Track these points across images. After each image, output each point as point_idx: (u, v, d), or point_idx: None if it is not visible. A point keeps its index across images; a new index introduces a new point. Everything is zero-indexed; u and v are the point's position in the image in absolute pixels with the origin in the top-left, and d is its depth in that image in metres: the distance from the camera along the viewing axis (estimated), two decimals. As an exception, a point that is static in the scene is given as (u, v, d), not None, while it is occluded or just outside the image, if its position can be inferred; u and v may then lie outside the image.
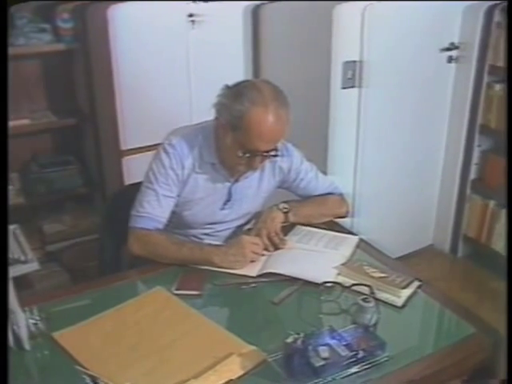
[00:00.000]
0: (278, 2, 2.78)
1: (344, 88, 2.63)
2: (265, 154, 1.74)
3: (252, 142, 1.69)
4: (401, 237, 3.21)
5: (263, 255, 1.80)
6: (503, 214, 3.06)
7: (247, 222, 2.01)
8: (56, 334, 1.46)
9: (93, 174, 3.06)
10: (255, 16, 2.79)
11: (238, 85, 1.76)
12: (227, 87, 1.75)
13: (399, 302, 1.59)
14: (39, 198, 2.93)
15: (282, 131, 1.72)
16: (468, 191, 3.21)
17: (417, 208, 3.32)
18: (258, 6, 2.78)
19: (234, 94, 1.70)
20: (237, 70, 2.85)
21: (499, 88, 2.93)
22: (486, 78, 2.96)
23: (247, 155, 1.73)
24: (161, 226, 1.84)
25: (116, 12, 2.48)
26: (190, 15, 2.61)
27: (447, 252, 3.42)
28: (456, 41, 2.97)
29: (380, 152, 2.97)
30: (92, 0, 2.62)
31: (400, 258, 2.52)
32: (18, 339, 1.42)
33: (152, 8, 2.53)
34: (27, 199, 2.87)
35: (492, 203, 3.12)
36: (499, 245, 3.11)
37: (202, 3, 2.61)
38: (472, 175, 3.18)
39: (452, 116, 3.14)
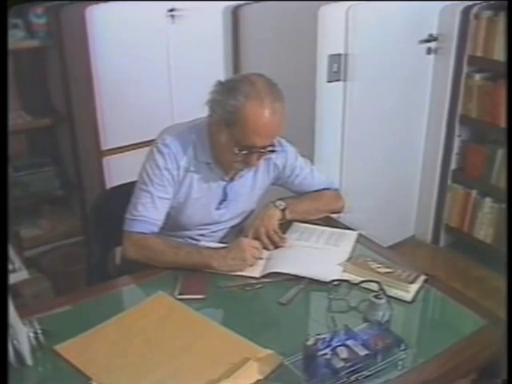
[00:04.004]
0: (259, 3, 2.74)
1: (330, 81, 2.60)
2: (262, 150, 1.69)
3: (248, 137, 1.63)
4: (382, 228, 3.19)
5: (261, 258, 1.74)
6: (485, 203, 3.10)
7: (242, 221, 1.96)
8: (58, 347, 1.39)
9: (70, 176, 2.96)
10: (235, 16, 2.75)
11: (231, 80, 1.71)
12: (220, 83, 1.69)
13: (408, 297, 1.58)
14: (15, 202, 2.81)
15: (279, 125, 1.67)
16: (449, 181, 3.23)
17: (398, 199, 3.32)
18: (237, 7, 2.74)
19: (228, 89, 1.65)
20: (217, 65, 2.79)
21: (479, 78, 2.95)
22: (465, 68, 2.97)
23: (244, 152, 1.67)
24: (156, 230, 1.77)
25: (94, 11, 2.39)
26: (171, 10, 2.54)
27: (429, 242, 3.44)
28: (434, 32, 2.97)
29: (362, 145, 2.96)
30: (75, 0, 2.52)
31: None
32: (18, 355, 1.34)
33: (132, 3, 2.45)
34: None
35: (474, 192, 3.15)
36: (482, 233, 3.15)
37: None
38: (453, 165, 3.20)
39: (432, 107, 3.14)
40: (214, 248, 1.76)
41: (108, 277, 1.94)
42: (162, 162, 1.74)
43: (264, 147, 1.68)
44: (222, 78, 1.75)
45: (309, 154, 2.67)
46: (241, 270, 1.69)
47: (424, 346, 1.44)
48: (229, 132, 1.65)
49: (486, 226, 3.12)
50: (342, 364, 1.28)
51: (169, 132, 1.78)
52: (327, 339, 1.30)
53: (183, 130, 1.79)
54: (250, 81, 1.65)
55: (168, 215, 1.81)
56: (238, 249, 1.71)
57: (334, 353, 1.30)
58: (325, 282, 1.60)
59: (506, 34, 2.63)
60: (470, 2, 2.89)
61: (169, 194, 1.77)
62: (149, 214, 1.75)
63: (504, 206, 3.00)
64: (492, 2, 2.89)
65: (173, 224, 1.85)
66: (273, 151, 1.73)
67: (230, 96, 1.62)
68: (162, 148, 1.75)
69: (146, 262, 1.73)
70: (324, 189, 2.02)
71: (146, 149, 1.81)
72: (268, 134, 1.66)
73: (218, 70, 2.76)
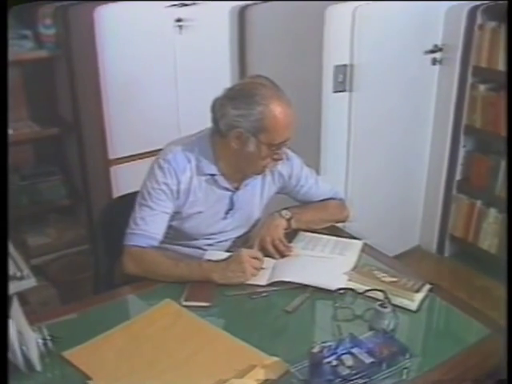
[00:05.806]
0: (265, 3, 2.76)
1: (335, 92, 2.62)
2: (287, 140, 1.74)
3: (280, 135, 1.69)
4: (387, 238, 3.19)
5: (263, 268, 1.74)
6: (490, 213, 3.11)
7: (248, 231, 1.97)
8: (66, 353, 1.40)
9: (77, 185, 2.99)
10: (241, 17, 2.76)
11: (239, 90, 1.71)
12: (226, 99, 1.70)
13: (413, 305, 1.59)
14: (22, 211, 2.84)
15: (293, 111, 1.72)
16: (454, 191, 3.25)
17: (403, 209, 3.33)
18: (244, 7, 2.75)
19: (244, 99, 1.67)
20: (224, 75, 2.81)
21: (483, 88, 2.97)
22: (469, 79, 2.99)
23: (275, 150, 1.72)
24: (155, 243, 1.78)
25: (101, 16, 2.41)
26: (178, 20, 2.57)
27: (434, 252, 3.44)
28: (439, 43, 3.00)
29: (367, 155, 2.98)
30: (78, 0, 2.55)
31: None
32: (27, 361, 1.35)
33: (139, 12, 2.48)
34: (9, 212, 2.77)
35: (479, 203, 3.16)
36: (486, 243, 3.16)
37: (189, 8, 2.57)
38: (458, 176, 3.21)
39: (437, 117, 3.16)
40: (214, 261, 1.75)
41: (114, 285, 1.95)
42: (161, 177, 1.76)
43: (289, 137, 1.73)
44: (228, 86, 1.77)
45: (314, 164, 2.70)
46: (241, 282, 1.68)
47: (428, 355, 1.45)
48: (257, 139, 1.69)
49: (490, 237, 3.13)
50: (347, 371, 1.29)
51: (170, 148, 1.80)
52: (333, 347, 1.31)
53: (186, 143, 1.81)
54: (259, 84, 1.70)
55: (173, 227, 1.83)
56: (237, 261, 1.70)
57: (340, 360, 1.31)
58: (330, 291, 1.61)
59: (506, 41, 2.64)
60: (475, 3, 2.90)
61: (168, 208, 1.79)
62: (147, 227, 1.76)
63: (509, 216, 3.01)
64: (493, 2, 2.91)
65: (178, 235, 1.86)
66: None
67: (252, 104, 1.65)
68: (162, 163, 1.77)
69: (145, 276, 1.73)
70: (329, 198, 2.04)
71: (154, 158, 1.83)
72: (292, 122, 1.71)
73: (224, 79, 2.77)
